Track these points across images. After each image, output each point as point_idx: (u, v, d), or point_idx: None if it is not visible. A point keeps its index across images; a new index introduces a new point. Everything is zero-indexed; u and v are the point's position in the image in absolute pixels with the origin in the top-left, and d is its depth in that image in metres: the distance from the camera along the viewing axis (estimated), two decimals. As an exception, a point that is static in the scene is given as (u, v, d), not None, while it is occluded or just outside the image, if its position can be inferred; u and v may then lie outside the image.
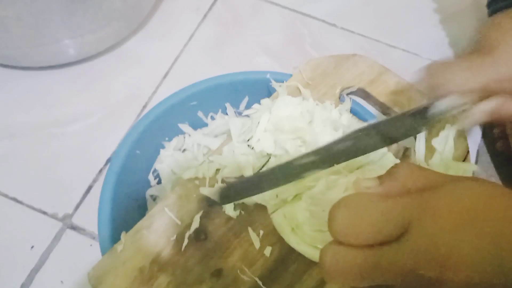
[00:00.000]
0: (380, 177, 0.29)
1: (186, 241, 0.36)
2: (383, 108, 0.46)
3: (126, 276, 0.35)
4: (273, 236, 0.37)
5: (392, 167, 0.29)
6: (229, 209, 0.39)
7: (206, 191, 0.39)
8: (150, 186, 0.50)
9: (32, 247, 0.49)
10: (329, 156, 0.35)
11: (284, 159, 0.39)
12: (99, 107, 0.60)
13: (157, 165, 0.50)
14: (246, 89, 0.52)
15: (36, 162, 0.55)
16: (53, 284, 0.47)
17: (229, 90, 0.52)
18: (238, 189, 0.37)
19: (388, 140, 0.37)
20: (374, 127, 0.36)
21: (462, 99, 0.38)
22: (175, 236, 0.36)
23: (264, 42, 0.65)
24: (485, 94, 0.39)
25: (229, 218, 0.39)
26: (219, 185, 0.40)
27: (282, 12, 0.68)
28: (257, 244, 0.37)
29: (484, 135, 0.58)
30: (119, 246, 0.36)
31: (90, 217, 0.52)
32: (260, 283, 0.35)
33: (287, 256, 0.36)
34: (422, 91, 0.45)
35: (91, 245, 0.50)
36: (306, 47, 0.65)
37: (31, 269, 0.48)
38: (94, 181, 0.54)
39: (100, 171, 0.55)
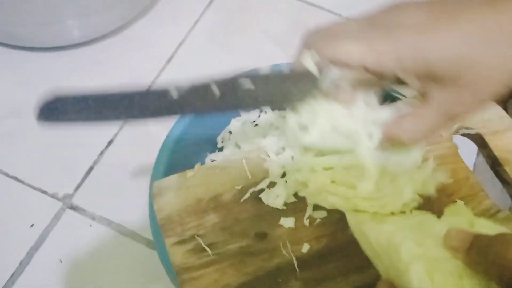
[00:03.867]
0: (474, 237, 0.27)
1: (247, 195, 0.37)
2: (494, 163, 0.42)
3: (184, 200, 0.36)
4: (329, 227, 0.37)
5: (491, 237, 0.26)
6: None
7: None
8: (217, 149, 0.49)
9: (32, 225, 0.49)
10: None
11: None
12: (102, 89, 0.60)
13: (224, 134, 0.49)
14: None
15: (38, 142, 0.55)
16: (52, 262, 0.47)
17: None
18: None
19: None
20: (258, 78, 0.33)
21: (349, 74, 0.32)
22: (240, 187, 0.37)
23: (269, 30, 0.64)
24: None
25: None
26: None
27: (288, 0, 0.68)
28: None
29: None
30: (189, 172, 0.37)
31: (90, 197, 0.50)
32: (295, 263, 0.35)
33: (334, 253, 0.36)
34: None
35: (90, 225, 0.48)
36: (311, 36, 0.65)
37: (30, 247, 0.48)
38: (95, 162, 0.52)
39: (101, 153, 0.54)
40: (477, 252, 0.26)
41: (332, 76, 0.33)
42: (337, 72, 0.33)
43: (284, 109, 0.35)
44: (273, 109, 0.37)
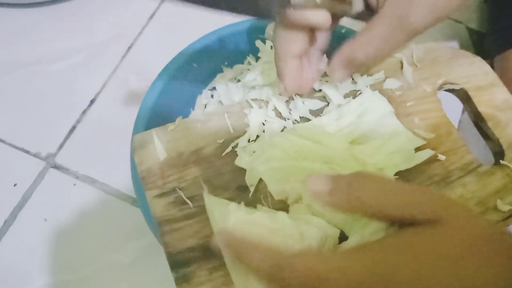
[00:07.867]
0: (333, 179, 0.26)
1: (229, 149, 0.37)
2: (477, 118, 0.42)
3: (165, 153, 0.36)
4: None
5: (349, 176, 0.26)
6: None
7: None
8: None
9: (15, 184, 0.49)
10: None
11: None
12: (83, 47, 0.58)
13: (206, 91, 0.48)
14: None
15: (19, 100, 0.54)
16: (36, 221, 0.47)
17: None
18: None
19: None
20: None
21: None
22: (222, 141, 0.37)
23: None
24: None
25: None
26: None
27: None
28: None
29: None
30: (170, 126, 0.37)
31: (73, 157, 0.50)
32: None
33: None
34: None
35: (74, 184, 0.48)
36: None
37: (14, 206, 0.48)
38: (78, 121, 0.51)
39: (84, 112, 0.53)
40: (338, 193, 0.26)
41: None
42: None
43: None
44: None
